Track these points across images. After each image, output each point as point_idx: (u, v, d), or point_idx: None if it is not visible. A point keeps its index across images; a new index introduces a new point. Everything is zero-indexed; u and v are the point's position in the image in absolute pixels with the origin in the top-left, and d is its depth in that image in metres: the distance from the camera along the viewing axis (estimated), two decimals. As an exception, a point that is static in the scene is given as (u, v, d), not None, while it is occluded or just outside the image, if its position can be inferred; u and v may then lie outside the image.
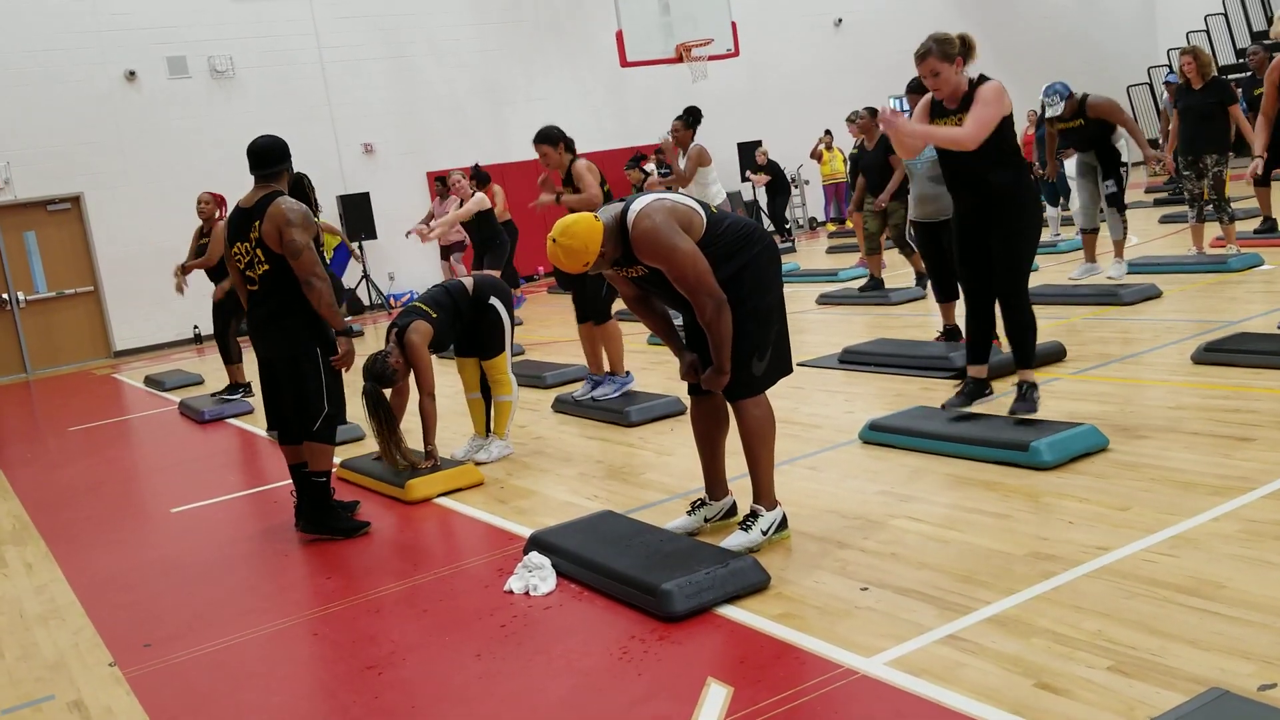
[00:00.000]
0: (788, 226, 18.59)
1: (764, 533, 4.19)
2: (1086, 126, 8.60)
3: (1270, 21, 23.89)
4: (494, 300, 6.08)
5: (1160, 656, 2.96)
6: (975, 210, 5.14)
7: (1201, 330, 6.89)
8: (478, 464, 5.95)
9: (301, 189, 6.04)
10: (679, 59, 15.12)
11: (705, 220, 4.07)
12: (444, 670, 3.53)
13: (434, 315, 5.87)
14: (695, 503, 4.53)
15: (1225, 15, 24.05)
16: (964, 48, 5.05)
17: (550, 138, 6.85)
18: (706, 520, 4.48)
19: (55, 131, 15.07)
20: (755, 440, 4.18)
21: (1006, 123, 5.02)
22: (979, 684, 2.95)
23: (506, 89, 18.34)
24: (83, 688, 3.81)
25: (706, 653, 3.39)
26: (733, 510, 4.51)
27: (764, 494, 4.24)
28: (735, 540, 4.14)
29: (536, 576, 4.09)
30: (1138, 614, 3.24)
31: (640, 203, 4.02)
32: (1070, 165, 8.69)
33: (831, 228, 19.34)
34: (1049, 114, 8.55)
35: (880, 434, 5.40)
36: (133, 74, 15.66)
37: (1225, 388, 5.51)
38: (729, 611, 3.64)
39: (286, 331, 5.00)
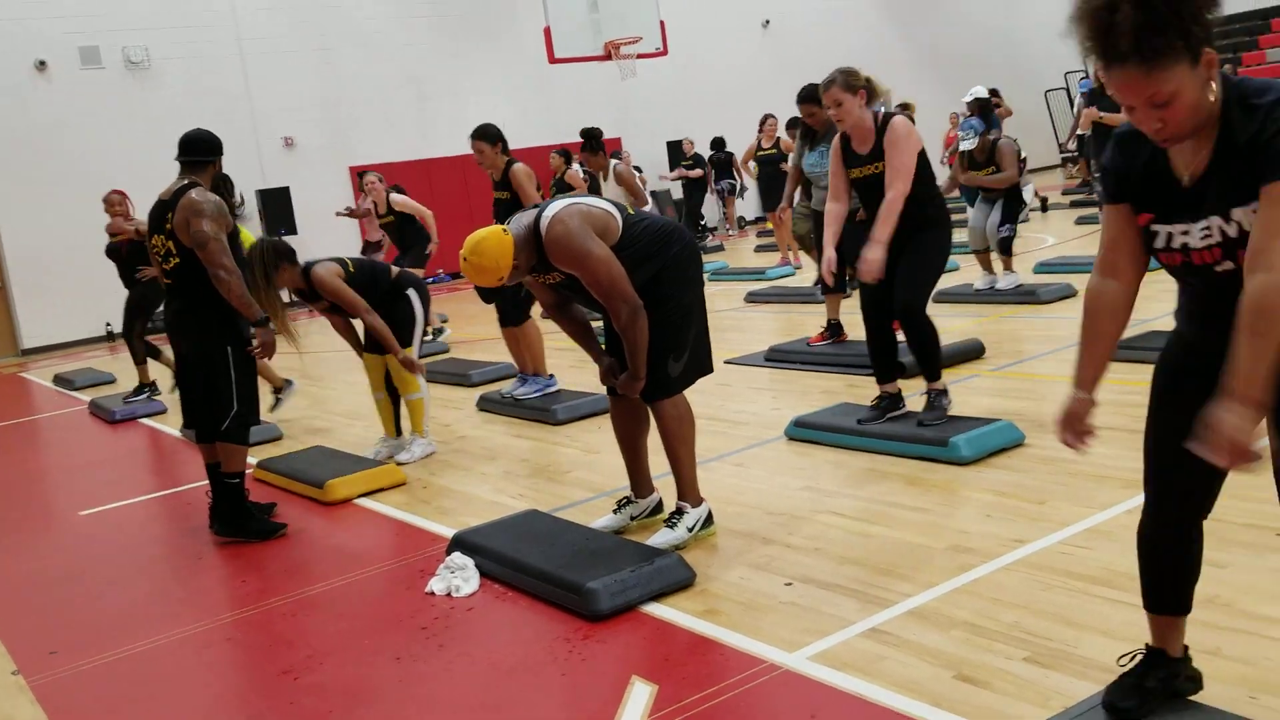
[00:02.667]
0: (703, 224, 18.60)
1: (689, 530, 4.18)
2: (995, 171, 8.70)
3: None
4: (411, 293, 5.99)
5: (1075, 647, 3.01)
6: (895, 240, 5.03)
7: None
8: (400, 464, 5.86)
9: (223, 189, 5.88)
10: (607, 56, 15.07)
11: (621, 223, 4.04)
12: (362, 674, 3.46)
13: (350, 270, 5.81)
14: (621, 501, 4.51)
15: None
16: (869, 85, 5.07)
17: (489, 135, 6.68)
18: (632, 518, 4.46)
19: (-39, 122, 14.61)
20: (674, 440, 4.17)
21: (920, 157, 5.04)
22: (900, 676, 2.97)
23: (432, 83, 18.16)
24: (-16, 697, 3.68)
25: (631, 651, 3.37)
26: (658, 508, 4.50)
27: (687, 491, 4.23)
28: (661, 538, 4.13)
29: (459, 577, 4.03)
30: (1054, 605, 3.28)
31: (554, 208, 3.97)
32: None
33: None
34: (963, 146, 8.64)
35: (805, 430, 5.43)
36: (43, 64, 15.22)
37: (1137, 383, 5.61)
38: (654, 609, 3.63)
39: (196, 327, 4.89)
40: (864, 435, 5.15)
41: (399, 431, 6.15)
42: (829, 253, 5.32)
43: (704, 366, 4.27)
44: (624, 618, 3.59)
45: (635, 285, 3.96)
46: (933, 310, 6.24)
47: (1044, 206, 8.72)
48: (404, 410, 6.17)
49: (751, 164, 13.22)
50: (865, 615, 3.38)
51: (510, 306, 6.84)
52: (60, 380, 11.44)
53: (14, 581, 4.95)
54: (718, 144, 18.25)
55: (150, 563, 5.00)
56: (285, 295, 5.75)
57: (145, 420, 8.59)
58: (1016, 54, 24.75)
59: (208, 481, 5.12)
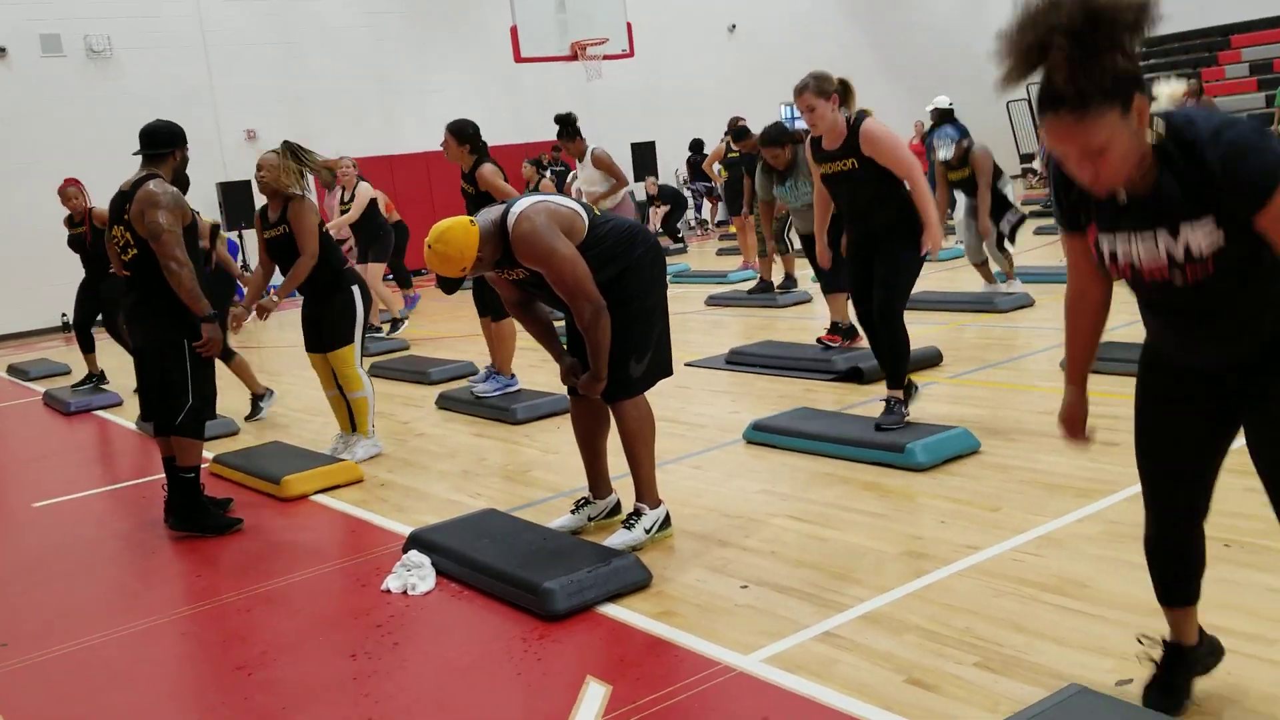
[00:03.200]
0: (681, 236, 18.61)
1: (647, 531, 4.20)
2: (972, 176, 8.77)
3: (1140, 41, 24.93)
4: (354, 288, 5.95)
5: (1025, 653, 3.05)
6: (865, 239, 5.25)
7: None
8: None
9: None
10: (574, 57, 15.08)
11: (587, 223, 4.06)
12: (316, 670, 3.45)
13: (320, 228, 5.83)
14: (579, 501, 4.52)
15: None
16: (842, 88, 5.17)
17: (458, 132, 6.64)
18: (590, 519, 4.47)
19: (-82, 106, 14.39)
20: (634, 441, 4.19)
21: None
22: (852, 680, 3.00)
23: (398, 80, 18.08)
24: (-69, 690, 3.63)
25: (586, 651, 3.39)
26: (616, 509, 4.51)
27: (646, 493, 4.25)
28: (618, 539, 4.15)
29: (415, 575, 4.03)
30: (1005, 611, 3.33)
31: (521, 204, 3.98)
32: (962, 206, 8.91)
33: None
34: (940, 157, 8.70)
35: (763, 434, 5.47)
36: (2, 51, 15.00)
37: (1093, 394, 5.69)
38: (610, 610, 3.64)
39: (152, 320, 4.86)
40: (822, 439, 5.19)
41: (354, 428, 6.12)
42: (822, 240, 5.47)
43: (665, 368, 4.29)
44: (580, 618, 3.60)
45: (599, 285, 3.98)
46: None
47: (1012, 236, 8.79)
48: None
49: (717, 166, 13.25)
50: (819, 618, 3.41)
51: (495, 299, 6.81)
52: (14, 370, 11.30)
53: (-37, 574, 4.89)
54: (696, 146, 18.32)
55: (105, 556, 4.95)
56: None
57: (100, 412, 8.50)
58: (980, 63, 24.90)
59: (164, 475, 5.07)
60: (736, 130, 11.37)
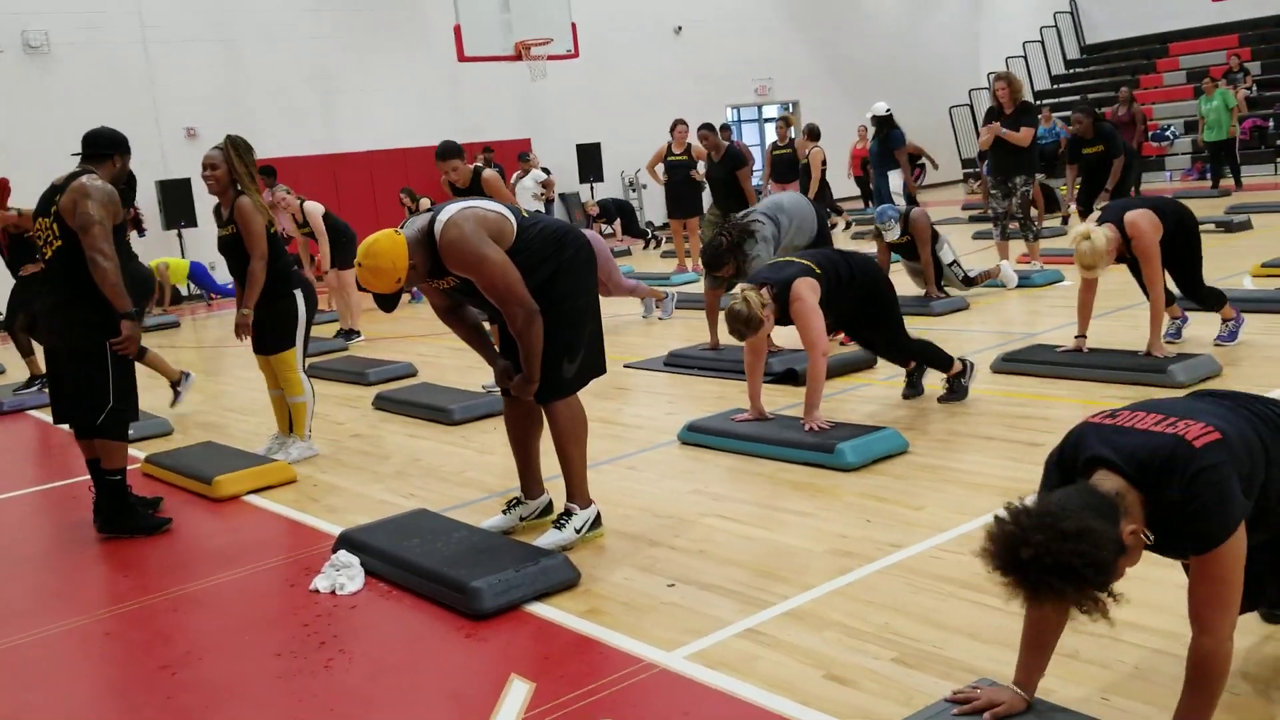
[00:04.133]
0: (652, 235, 18.60)
1: (577, 531, 4.23)
2: (912, 242, 8.90)
3: (1081, 48, 25.41)
4: (298, 293, 5.92)
5: (941, 648, 3.12)
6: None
7: (1002, 341, 7.28)
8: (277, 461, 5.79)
9: (128, 187, 5.84)
10: (518, 57, 15.07)
11: (516, 227, 4.05)
12: (241, 669, 3.44)
13: (270, 228, 5.79)
14: (511, 501, 4.54)
15: (1042, 43, 25.41)
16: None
17: (458, 152, 6.97)
18: (522, 519, 4.50)
19: None
20: (567, 440, 4.21)
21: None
22: (772, 676, 3.05)
23: (339, 78, 17.94)
24: None
25: (512, 649, 3.41)
26: (548, 508, 4.54)
27: (577, 493, 4.28)
28: (549, 538, 4.17)
29: (344, 575, 4.03)
30: (923, 608, 3.40)
31: (448, 211, 3.96)
32: (904, 267, 9.12)
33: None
34: (887, 238, 8.77)
35: (698, 435, 5.52)
36: (-64, 43, 14.71)
37: (1021, 395, 5.84)
38: (537, 609, 3.67)
39: (73, 321, 4.78)
40: (755, 440, 5.25)
41: (291, 429, 6.09)
42: None
43: (598, 367, 4.32)
44: (507, 617, 3.62)
45: (530, 288, 3.99)
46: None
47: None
48: None
49: (659, 168, 13.30)
50: (743, 616, 3.46)
51: None
52: (-58, 369, 11.06)
53: (-117, 576, 4.80)
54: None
55: (30, 556, 4.89)
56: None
57: (33, 412, 8.36)
58: (922, 69, 25.34)
59: (90, 476, 5.02)
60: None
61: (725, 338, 6.87)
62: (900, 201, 9.36)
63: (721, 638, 3.33)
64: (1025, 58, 24.82)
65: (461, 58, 14.62)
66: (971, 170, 22.08)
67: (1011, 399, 5.77)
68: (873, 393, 6.29)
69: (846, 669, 3.06)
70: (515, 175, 16.05)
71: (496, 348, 4.49)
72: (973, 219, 15.93)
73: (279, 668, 3.42)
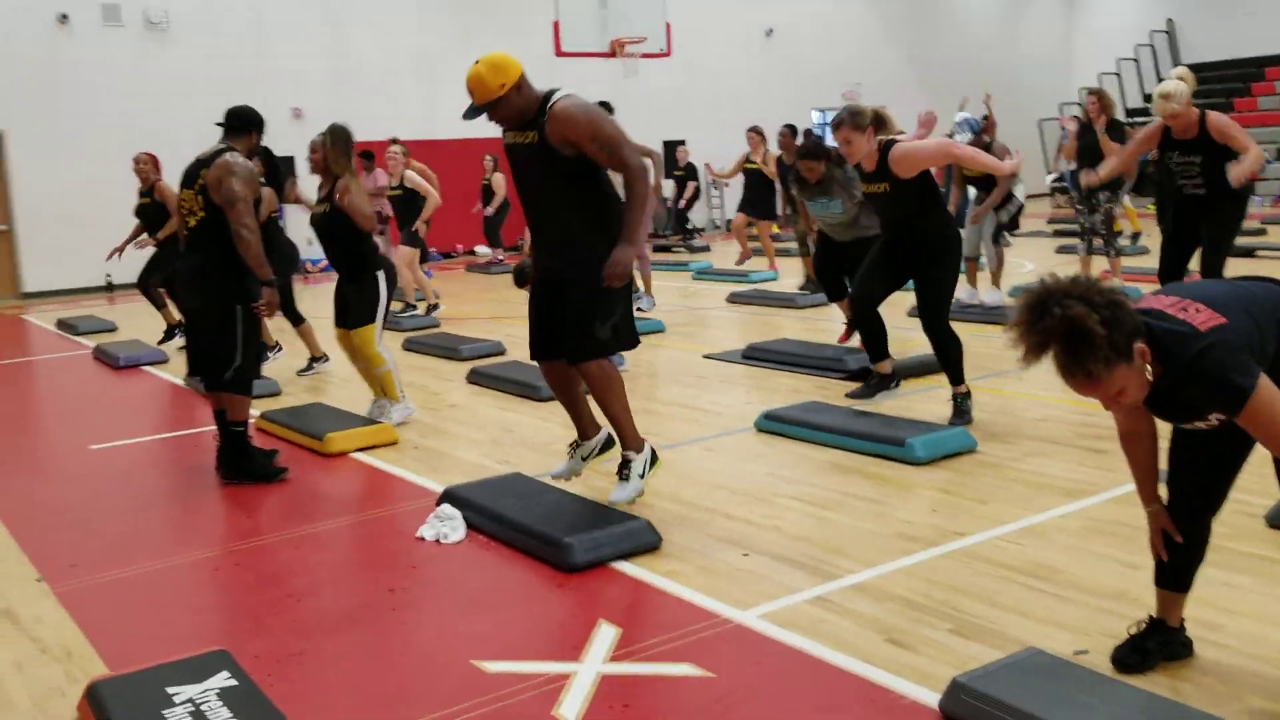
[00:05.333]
0: (690, 228, 18.94)
1: (640, 476, 4.47)
2: (989, 176, 9.10)
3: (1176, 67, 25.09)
4: (381, 275, 6.29)
5: (995, 624, 3.41)
6: (902, 248, 5.74)
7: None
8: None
9: (271, 160, 6.34)
10: (612, 54, 15.42)
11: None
12: (358, 600, 3.85)
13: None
14: (572, 444, 4.80)
15: (1136, 61, 25.18)
16: (876, 120, 5.65)
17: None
18: (584, 459, 4.73)
19: (-18, 67, 14.84)
20: (602, 393, 4.40)
21: (927, 174, 5.57)
22: (837, 637, 3.37)
23: (440, 66, 18.44)
24: (11, 599, 4.04)
25: (599, 599, 3.76)
26: (609, 442, 4.74)
27: (628, 440, 4.49)
28: (618, 494, 4.43)
29: (447, 525, 4.41)
30: (981, 589, 3.69)
31: (565, 90, 4.25)
32: (972, 201, 9.29)
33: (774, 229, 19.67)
34: (957, 139, 9.06)
35: (774, 423, 5.82)
36: (65, 18, 15.46)
37: (1088, 405, 6.04)
38: (622, 566, 4.02)
39: (210, 286, 5.22)
40: (828, 431, 5.54)
41: (386, 394, 6.47)
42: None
43: (629, 340, 4.51)
44: (595, 571, 3.97)
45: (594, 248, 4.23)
46: (906, 323, 6.72)
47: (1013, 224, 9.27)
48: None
49: (740, 176, 13.56)
50: (812, 585, 3.77)
51: None
52: (63, 325, 11.76)
53: (33, 504, 5.29)
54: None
55: (160, 495, 5.36)
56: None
57: (148, 368, 8.93)
58: (1013, 79, 25.21)
59: (216, 427, 5.47)
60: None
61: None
62: (972, 192, 9.56)
63: (792, 602, 3.65)
64: (1119, 74, 24.62)
65: (558, 53, 15.01)
66: (1060, 184, 21.96)
67: (1080, 408, 5.98)
68: (947, 394, 6.52)
69: (905, 635, 3.36)
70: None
71: (528, 257, 4.78)
72: (1057, 233, 15.97)
73: (390, 601, 3.81)
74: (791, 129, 10.93)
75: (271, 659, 3.39)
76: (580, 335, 4.33)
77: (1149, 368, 2.56)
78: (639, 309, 9.66)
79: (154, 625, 3.76)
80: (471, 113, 4.28)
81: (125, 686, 3.05)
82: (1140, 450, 2.95)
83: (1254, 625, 3.31)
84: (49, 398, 8.55)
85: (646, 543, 4.15)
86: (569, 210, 4.29)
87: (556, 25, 14.79)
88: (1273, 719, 2.81)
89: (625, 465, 4.53)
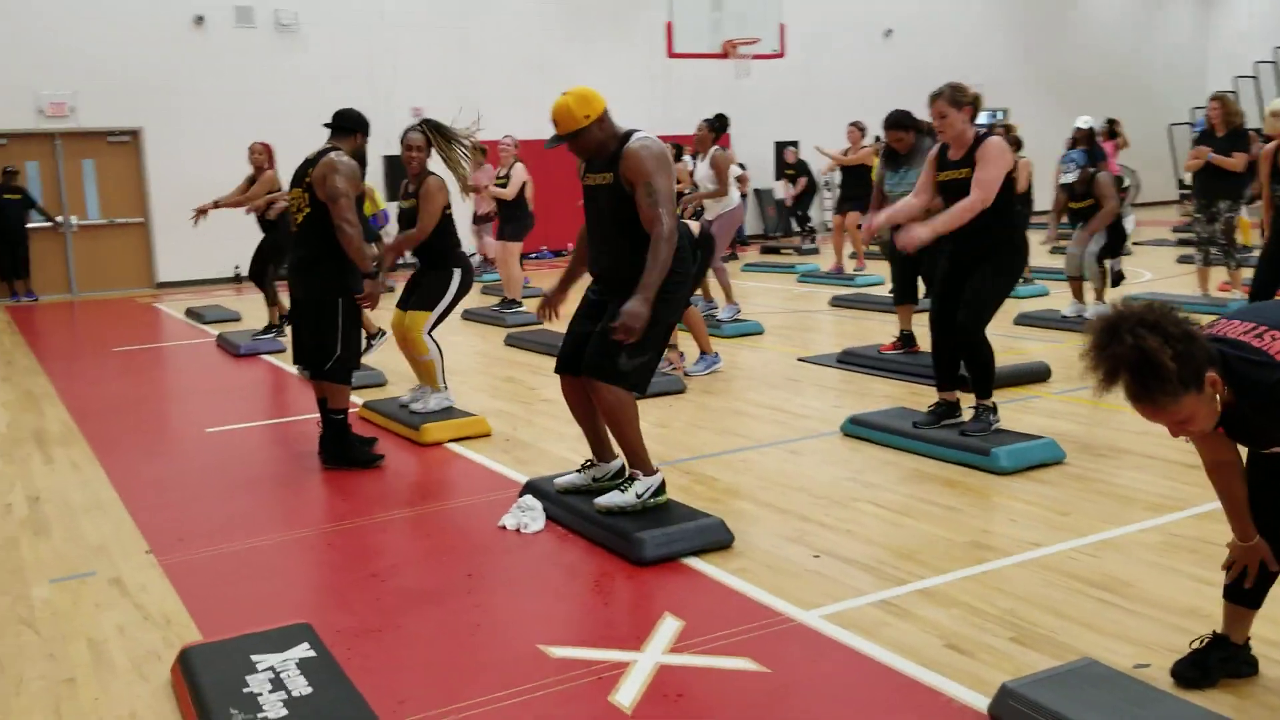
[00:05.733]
0: (811, 226, 18.90)
1: (639, 496, 4.39)
2: (1095, 206, 8.92)
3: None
4: (457, 273, 6.42)
5: (1057, 634, 3.41)
6: (966, 251, 5.43)
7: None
8: (412, 413, 6.32)
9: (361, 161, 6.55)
10: (725, 55, 15.48)
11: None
12: (437, 582, 4.03)
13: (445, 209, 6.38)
14: (586, 462, 4.81)
15: (1275, 64, 24.19)
16: (975, 102, 5.47)
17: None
18: (595, 480, 4.73)
19: (123, 66, 15.60)
20: (612, 419, 4.38)
21: (1006, 178, 5.38)
22: (896, 640, 3.41)
23: (557, 67, 18.75)
24: (122, 568, 4.33)
25: (666, 592, 3.87)
26: (621, 472, 4.74)
27: (638, 464, 4.45)
28: (609, 498, 4.41)
29: (528, 515, 4.57)
30: (1049, 600, 3.68)
31: (645, 133, 4.33)
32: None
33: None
34: (1062, 179, 8.87)
35: (859, 428, 5.84)
36: (201, 19, 16.18)
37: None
38: (692, 562, 4.11)
39: (314, 277, 5.48)
40: (913, 438, 5.54)
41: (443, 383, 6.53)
42: (878, 219, 5.91)
43: (641, 382, 4.41)
44: (666, 566, 4.08)
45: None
46: (1012, 331, 6.57)
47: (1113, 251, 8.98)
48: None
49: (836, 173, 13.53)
50: (878, 589, 3.82)
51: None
52: (191, 313, 12.36)
53: (147, 480, 5.64)
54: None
55: (266, 477, 5.64)
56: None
57: (266, 357, 9.34)
58: (1142, 85, 24.50)
59: (318, 415, 5.74)
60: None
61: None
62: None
63: (856, 604, 3.69)
64: (1256, 78, 23.69)
65: (671, 54, 15.14)
66: (1187, 191, 21.28)
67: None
68: (1042, 405, 6.46)
69: (965, 641, 3.38)
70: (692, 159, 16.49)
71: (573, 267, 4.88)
72: (1180, 242, 15.50)
73: (467, 585, 3.98)
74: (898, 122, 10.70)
75: (351, 634, 3.58)
76: (603, 355, 4.29)
77: (1218, 397, 2.55)
78: (717, 319, 9.54)
79: (248, 597, 4.00)
80: (554, 141, 4.44)
81: (214, 653, 3.27)
82: (1227, 480, 2.91)
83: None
84: (173, 382, 9.02)
85: (718, 540, 4.23)
86: (635, 254, 4.28)
87: (669, 26, 14.92)
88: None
89: (629, 480, 4.48)
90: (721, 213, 9.42)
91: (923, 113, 6.33)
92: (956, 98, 5.40)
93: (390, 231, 11.48)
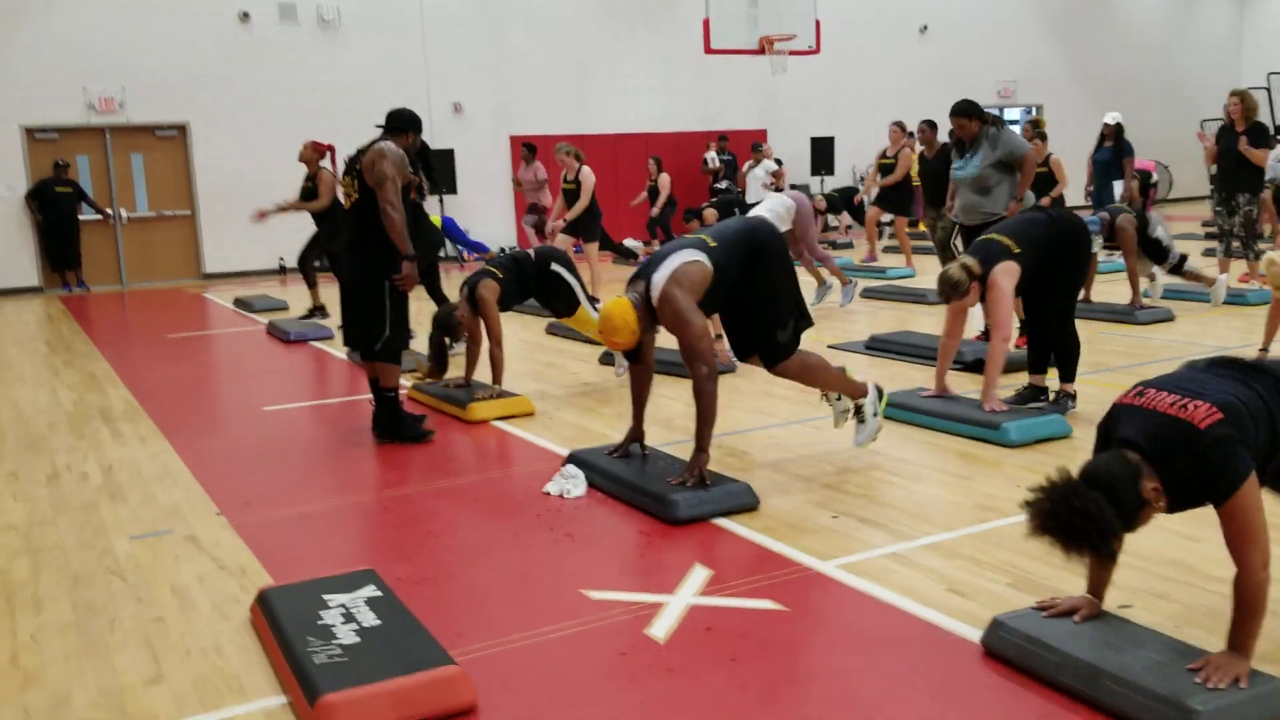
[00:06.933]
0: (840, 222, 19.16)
1: (875, 414, 5.27)
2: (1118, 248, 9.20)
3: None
4: (556, 267, 6.94)
5: (1051, 580, 3.74)
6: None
7: (1192, 353, 7.56)
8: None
9: (426, 159, 7.01)
10: (761, 51, 15.78)
11: (710, 262, 4.76)
12: (487, 539, 4.41)
13: (500, 276, 6.75)
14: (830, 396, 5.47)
15: (1310, 58, 24.18)
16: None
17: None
18: (844, 413, 5.41)
19: (171, 62, 16.14)
20: (808, 379, 5.18)
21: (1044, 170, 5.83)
22: (902, 584, 3.76)
23: (595, 63, 19.14)
24: (195, 527, 4.74)
25: (697, 547, 4.23)
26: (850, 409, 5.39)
27: (852, 393, 5.27)
28: (861, 438, 5.28)
29: (571, 483, 4.94)
30: (1047, 553, 3.94)
31: (660, 277, 4.69)
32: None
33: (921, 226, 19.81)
34: (1094, 249, 9.10)
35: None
36: (246, 15, 16.67)
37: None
38: (722, 522, 4.47)
39: (362, 260, 5.84)
40: (930, 415, 5.87)
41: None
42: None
43: (805, 322, 5.09)
44: (697, 526, 4.44)
45: (730, 276, 4.77)
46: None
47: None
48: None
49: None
50: (890, 543, 4.17)
51: None
52: (240, 303, 12.84)
53: (213, 452, 6.06)
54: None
55: (323, 450, 6.06)
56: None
57: (315, 342, 9.79)
58: (1178, 80, 24.56)
59: (370, 393, 6.13)
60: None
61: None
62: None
63: (869, 556, 4.05)
64: (1291, 72, 23.67)
65: (708, 49, 15.46)
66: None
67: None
68: (1055, 384, 6.75)
69: (965, 586, 3.72)
70: (747, 165, 16.86)
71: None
72: (1209, 235, 15.66)
73: (514, 541, 4.36)
74: (931, 124, 10.97)
75: (411, 581, 3.97)
76: (767, 345, 5.00)
77: (1161, 501, 2.91)
78: (840, 304, 10.33)
79: (313, 552, 4.40)
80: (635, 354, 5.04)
81: (289, 593, 3.66)
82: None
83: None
84: (228, 366, 9.48)
85: (745, 503, 4.59)
86: None
87: (706, 23, 15.24)
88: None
89: (858, 410, 5.27)
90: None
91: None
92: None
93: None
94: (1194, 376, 3.05)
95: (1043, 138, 14.59)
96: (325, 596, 3.59)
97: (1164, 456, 2.87)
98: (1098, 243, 8.95)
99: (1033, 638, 3.10)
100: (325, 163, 10.51)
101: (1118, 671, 2.89)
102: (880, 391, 5.31)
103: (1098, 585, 3.27)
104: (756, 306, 4.91)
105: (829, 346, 8.43)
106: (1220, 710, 2.71)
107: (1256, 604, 2.87)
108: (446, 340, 6.78)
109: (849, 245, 17.74)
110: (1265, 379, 3.00)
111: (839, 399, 5.35)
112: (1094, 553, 2.90)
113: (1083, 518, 2.81)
